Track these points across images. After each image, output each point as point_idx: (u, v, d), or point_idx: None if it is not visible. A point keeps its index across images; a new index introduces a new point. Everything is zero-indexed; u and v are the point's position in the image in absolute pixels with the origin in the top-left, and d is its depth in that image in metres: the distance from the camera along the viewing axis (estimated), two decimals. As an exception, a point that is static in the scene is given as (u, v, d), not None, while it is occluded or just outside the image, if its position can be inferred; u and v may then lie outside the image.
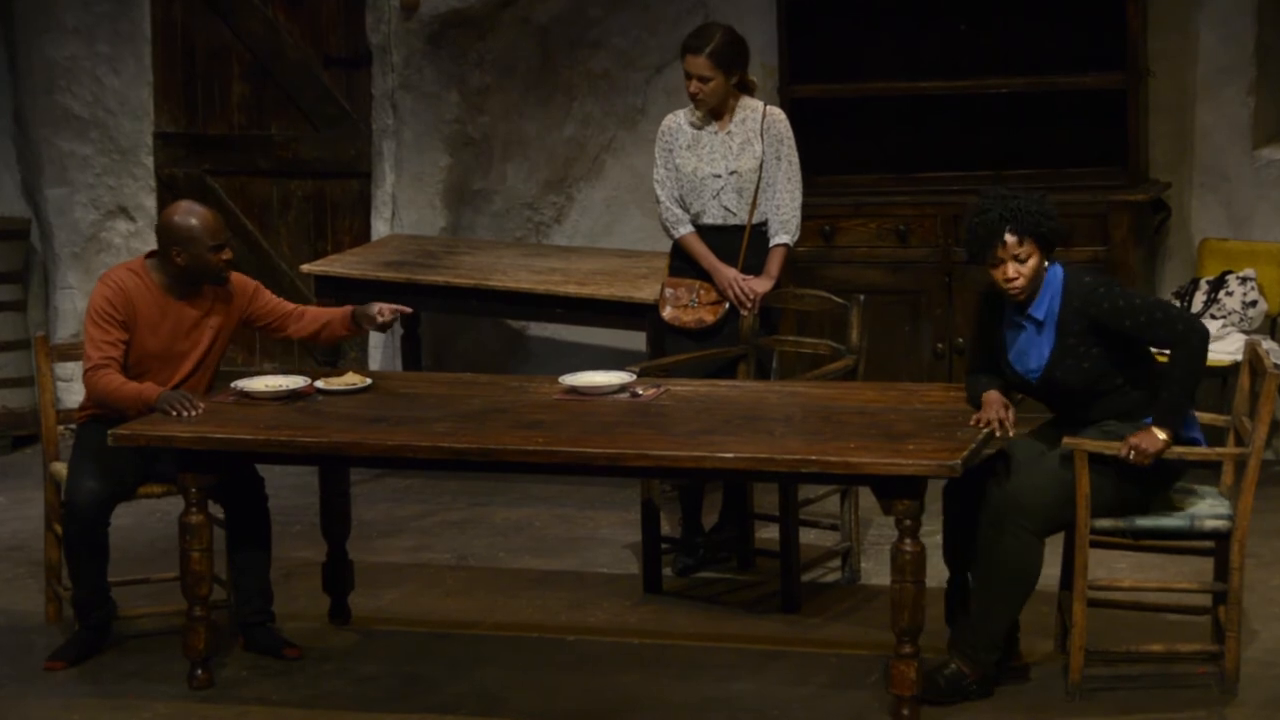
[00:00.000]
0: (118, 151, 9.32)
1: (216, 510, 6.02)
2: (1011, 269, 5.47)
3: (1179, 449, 5.44)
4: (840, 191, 8.32)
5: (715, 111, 6.79)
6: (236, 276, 6.29)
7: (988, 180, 8.19)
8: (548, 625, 6.37)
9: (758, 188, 6.76)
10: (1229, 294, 7.78)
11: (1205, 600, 5.83)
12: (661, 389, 6.07)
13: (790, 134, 6.84)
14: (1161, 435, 5.40)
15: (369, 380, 6.23)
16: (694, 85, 6.72)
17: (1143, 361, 5.55)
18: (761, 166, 6.74)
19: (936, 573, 5.78)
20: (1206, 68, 8.28)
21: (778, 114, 6.85)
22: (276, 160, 9.25)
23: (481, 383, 6.40)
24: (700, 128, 6.82)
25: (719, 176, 6.77)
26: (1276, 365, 5.70)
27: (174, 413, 5.85)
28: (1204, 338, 5.42)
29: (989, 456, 5.61)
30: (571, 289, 7.66)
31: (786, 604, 6.43)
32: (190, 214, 6.10)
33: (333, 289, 8.13)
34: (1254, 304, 7.82)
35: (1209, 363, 5.62)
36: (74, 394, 8.47)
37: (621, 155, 8.92)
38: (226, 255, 6.10)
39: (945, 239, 8.05)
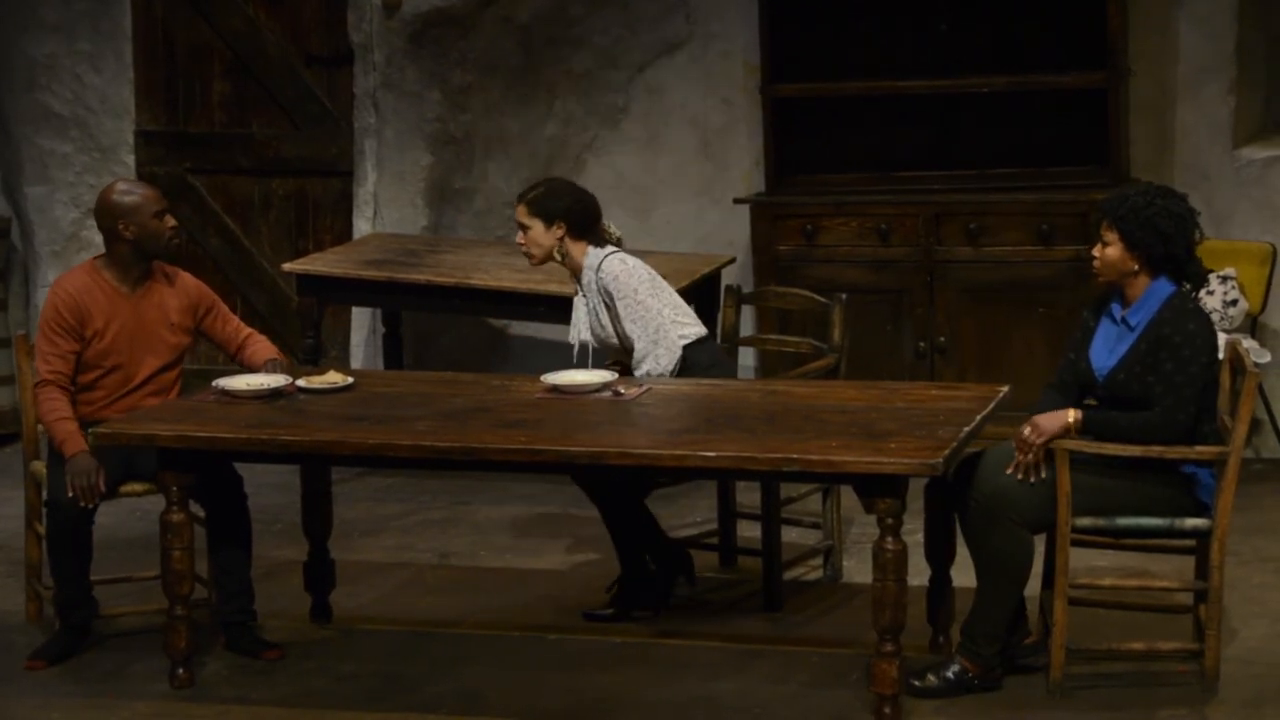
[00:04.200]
0: (98, 150, 9.31)
1: (197, 509, 6.01)
2: (1096, 248, 5.65)
3: (1158, 448, 5.46)
4: (821, 191, 8.32)
5: (570, 269, 6.41)
6: (197, 283, 6.32)
7: (969, 179, 8.25)
8: (529, 624, 6.37)
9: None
10: (1210, 293, 7.79)
11: (1186, 599, 5.85)
12: (644, 388, 6.07)
13: (621, 286, 6.29)
14: (1070, 419, 5.47)
15: (351, 379, 6.22)
16: (518, 235, 6.42)
17: (1200, 409, 5.57)
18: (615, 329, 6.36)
19: (918, 571, 5.80)
20: (1187, 67, 8.30)
21: (605, 269, 6.33)
22: (258, 159, 9.24)
23: (463, 381, 6.40)
24: (577, 290, 6.47)
25: (583, 344, 6.48)
26: (1256, 364, 5.71)
27: (72, 483, 5.85)
28: (1165, 437, 5.47)
29: (970, 455, 5.63)
30: (554, 288, 7.64)
31: (768, 602, 6.43)
32: (127, 188, 6.19)
33: (314, 288, 8.12)
34: (1234, 303, 7.83)
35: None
36: (54, 393, 8.45)
37: (603, 154, 8.92)
38: (171, 222, 6.15)
39: (926, 238, 8.06)
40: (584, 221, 6.39)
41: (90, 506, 5.89)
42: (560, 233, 6.35)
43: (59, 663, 6.06)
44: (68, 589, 6.05)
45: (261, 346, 6.33)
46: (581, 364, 6.41)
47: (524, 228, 6.39)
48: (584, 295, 6.44)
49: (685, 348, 6.34)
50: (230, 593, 6.12)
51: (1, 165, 9.43)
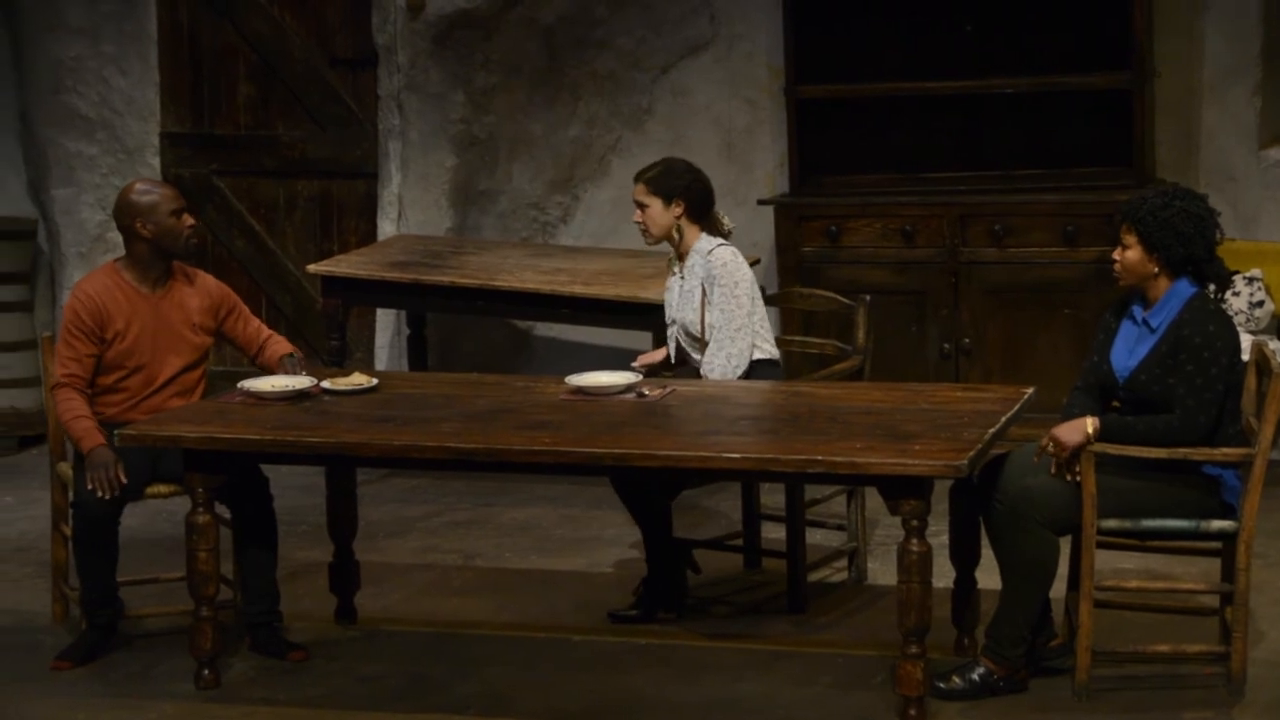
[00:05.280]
0: (124, 152, 9.33)
1: (223, 511, 6.03)
2: (1116, 251, 5.65)
3: (1184, 450, 5.45)
4: (846, 191, 8.32)
5: (679, 251, 6.47)
6: (219, 284, 6.33)
7: (993, 180, 8.24)
8: (554, 625, 6.37)
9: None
10: (1235, 294, 7.77)
11: (1212, 601, 5.83)
12: (668, 389, 6.07)
13: (726, 275, 6.31)
14: (1089, 429, 5.43)
15: (375, 380, 6.23)
16: (636, 213, 6.47)
17: (1223, 411, 5.56)
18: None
19: (943, 573, 5.80)
20: (1213, 69, 8.28)
21: (715, 255, 6.36)
22: (283, 160, 9.26)
23: (488, 383, 6.40)
24: (673, 271, 6.56)
25: (672, 324, 6.54)
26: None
27: (91, 476, 5.87)
28: (1186, 440, 5.44)
29: (996, 457, 5.62)
30: (578, 289, 7.67)
31: (793, 604, 6.42)
32: (145, 187, 6.21)
33: (339, 289, 8.14)
34: (1260, 304, 7.82)
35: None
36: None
37: (627, 156, 8.92)
38: (189, 221, 6.16)
39: (951, 239, 8.05)
40: (702, 202, 6.47)
41: (110, 498, 5.89)
42: (679, 211, 6.42)
43: (85, 663, 6.07)
44: (94, 589, 6.07)
45: (279, 346, 6.34)
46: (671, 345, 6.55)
47: (642, 206, 6.45)
48: (681, 279, 6.48)
49: (754, 362, 6.37)
50: (256, 594, 6.12)
51: (28, 167, 9.47)
